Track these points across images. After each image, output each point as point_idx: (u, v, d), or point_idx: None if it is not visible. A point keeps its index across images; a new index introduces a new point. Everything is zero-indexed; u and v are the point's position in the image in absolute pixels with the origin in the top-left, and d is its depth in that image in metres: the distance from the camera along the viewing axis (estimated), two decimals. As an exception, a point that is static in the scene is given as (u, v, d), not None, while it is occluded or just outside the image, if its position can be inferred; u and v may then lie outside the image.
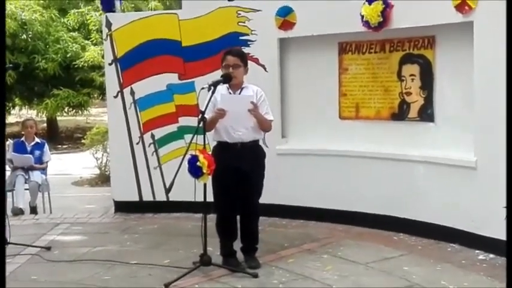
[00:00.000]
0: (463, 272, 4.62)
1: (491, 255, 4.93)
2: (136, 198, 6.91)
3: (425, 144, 5.60)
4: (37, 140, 7.81)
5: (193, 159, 4.48)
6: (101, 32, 8.74)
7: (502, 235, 4.73)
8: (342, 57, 6.14)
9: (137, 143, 6.85)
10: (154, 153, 6.81)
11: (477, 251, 5.04)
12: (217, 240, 4.86)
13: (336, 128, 6.17)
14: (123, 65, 6.79)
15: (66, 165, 11.82)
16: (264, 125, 4.81)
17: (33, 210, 7.38)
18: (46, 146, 7.83)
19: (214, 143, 4.87)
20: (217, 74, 4.95)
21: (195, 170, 4.49)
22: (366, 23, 5.62)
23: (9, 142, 8.05)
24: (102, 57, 10.53)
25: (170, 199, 6.58)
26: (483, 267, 4.74)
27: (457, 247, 5.22)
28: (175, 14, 6.65)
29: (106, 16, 6.86)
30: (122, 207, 6.95)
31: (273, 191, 5.63)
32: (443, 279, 4.45)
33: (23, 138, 7.76)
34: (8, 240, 5.27)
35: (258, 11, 6.29)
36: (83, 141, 11.40)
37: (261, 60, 6.27)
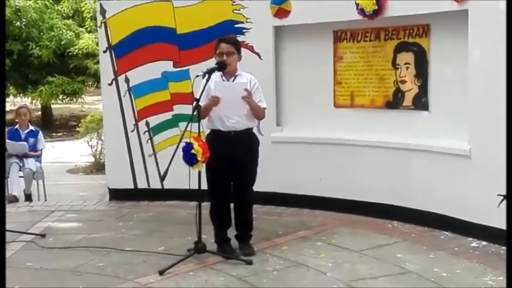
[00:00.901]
0: (455, 259, 4.65)
1: (484, 243, 4.97)
2: (131, 186, 6.91)
3: (420, 132, 5.63)
4: (31, 127, 7.80)
5: (188, 147, 4.48)
6: (95, 19, 8.70)
7: (494, 223, 4.78)
8: (337, 45, 6.13)
9: (132, 131, 6.84)
10: (149, 141, 6.81)
11: (470, 239, 5.08)
12: (212, 228, 4.88)
13: (331, 116, 6.17)
14: (118, 52, 6.77)
15: (60, 153, 11.81)
16: (258, 113, 4.81)
17: (28, 197, 7.38)
18: (40, 134, 7.82)
19: (208, 131, 4.87)
20: (212, 62, 4.93)
21: (189, 158, 4.49)
22: (361, 11, 5.61)
23: (3, 130, 8.02)
24: (97, 44, 10.49)
25: (165, 187, 6.59)
26: (476, 255, 4.77)
27: (450, 235, 5.25)
28: (170, 1, 6.61)
29: (100, 3, 6.83)
30: (117, 194, 6.95)
31: (268, 179, 5.65)
32: (436, 266, 4.48)
33: (17, 126, 7.74)
34: (3, 228, 5.28)
35: (253, -1, 6.28)
36: (77, 129, 11.38)
37: (255, 48, 6.25)
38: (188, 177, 4.40)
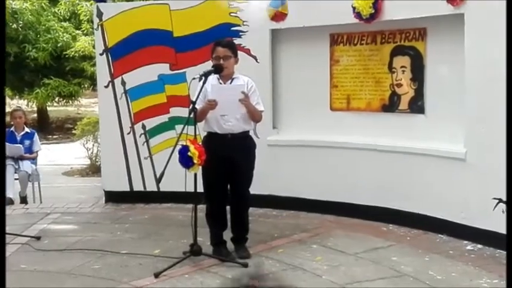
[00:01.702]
0: (450, 262, 4.66)
1: (479, 246, 4.98)
2: (127, 189, 6.90)
3: (416, 136, 5.63)
4: (27, 129, 7.78)
5: (184, 150, 4.48)
6: (92, 22, 8.70)
7: (490, 226, 4.79)
8: (334, 48, 6.15)
9: (128, 134, 6.84)
10: (145, 144, 6.81)
11: (465, 242, 5.09)
12: (208, 231, 4.87)
13: (327, 120, 6.18)
14: (114, 55, 6.76)
15: (56, 156, 11.79)
16: (255, 116, 4.81)
17: (23, 200, 7.36)
18: (36, 136, 7.81)
19: (205, 134, 4.87)
20: (208, 65, 4.94)
21: (185, 161, 4.48)
22: (358, 15, 5.63)
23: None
24: (93, 47, 10.48)
25: (161, 189, 6.55)
26: (471, 258, 4.78)
27: (445, 238, 5.26)
28: (167, 4, 6.61)
29: (97, 6, 6.83)
30: (113, 197, 6.94)
31: (264, 181, 5.65)
32: (432, 269, 4.49)
33: (12, 128, 7.72)
34: (-2, 230, 5.26)
35: (250, 1, 6.28)
36: (73, 131, 11.37)
37: (252, 51, 6.26)
38: (184, 180, 4.41)
